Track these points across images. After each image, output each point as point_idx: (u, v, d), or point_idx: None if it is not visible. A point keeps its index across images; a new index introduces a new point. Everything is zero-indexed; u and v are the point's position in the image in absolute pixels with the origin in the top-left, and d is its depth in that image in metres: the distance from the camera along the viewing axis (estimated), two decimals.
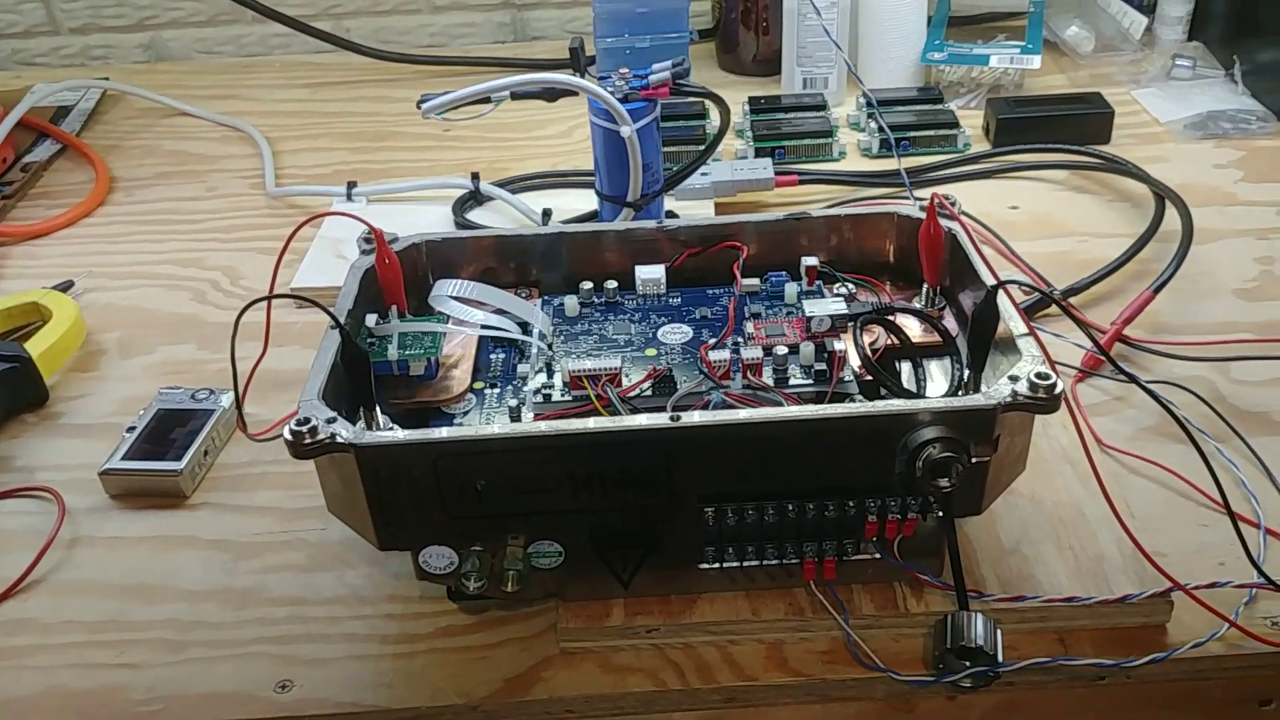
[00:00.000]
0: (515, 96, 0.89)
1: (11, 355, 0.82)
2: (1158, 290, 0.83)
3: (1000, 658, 0.58)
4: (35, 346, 0.83)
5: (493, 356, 0.70)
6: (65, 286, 0.95)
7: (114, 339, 0.91)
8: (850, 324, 0.65)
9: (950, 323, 0.69)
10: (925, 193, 1.01)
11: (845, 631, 0.62)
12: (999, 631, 0.59)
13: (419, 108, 0.87)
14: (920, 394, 0.64)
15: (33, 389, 0.83)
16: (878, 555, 0.61)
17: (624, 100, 0.85)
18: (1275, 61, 1.10)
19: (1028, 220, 0.98)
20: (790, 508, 0.59)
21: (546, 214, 0.99)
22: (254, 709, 0.61)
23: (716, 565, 0.62)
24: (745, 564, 0.62)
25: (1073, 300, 0.86)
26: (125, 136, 1.24)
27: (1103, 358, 0.78)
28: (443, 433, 0.58)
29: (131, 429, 0.77)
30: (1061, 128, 1.06)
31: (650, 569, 0.62)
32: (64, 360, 0.87)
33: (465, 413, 0.66)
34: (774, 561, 0.61)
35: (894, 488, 0.59)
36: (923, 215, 0.70)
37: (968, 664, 0.59)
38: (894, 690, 0.62)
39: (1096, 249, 0.93)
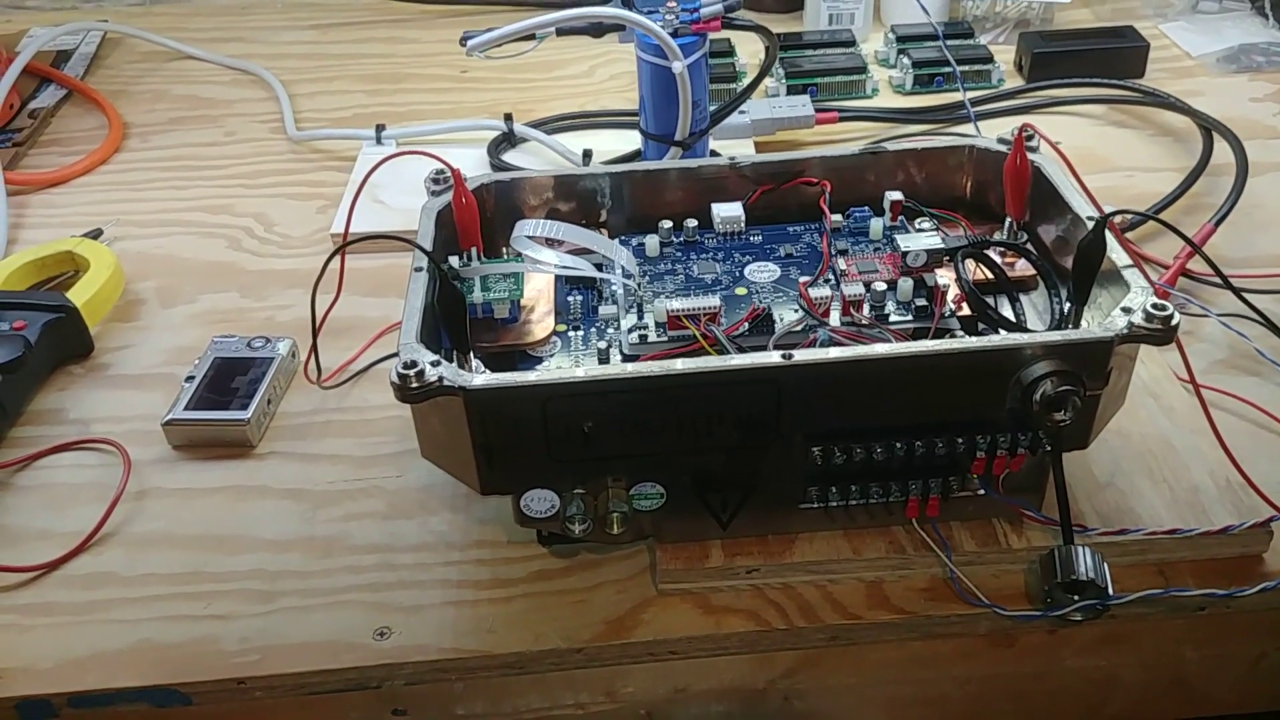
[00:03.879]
0: (561, 32, 0.87)
1: (57, 305, 0.79)
2: (1218, 224, 0.83)
3: (1110, 590, 0.58)
4: (78, 296, 0.81)
5: (570, 299, 0.68)
6: (94, 235, 0.92)
7: (152, 288, 0.88)
8: (948, 259, 0.64)
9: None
10: (962, 129, 1.01)
11: (949, 568, 0.62)
12: (1106, 564, 0.59)
13: (462, 45, 0.84)
14: (1024, 327, 0.63)
15: (78, 339, 0.80)
16: (981, 491, 0.61)
17: (674, 35, 0.83)
18: None
19: (1071, 155, 0.94)
20: (899, 445, 0.58)
21: (587, 155, 0.97)
22: (355, 657, 0.60)
23: (818, 505, 0.61)
24: (848, 503, 0.61)
25: (1127, 235, 0.85)
26: (131, 81, 1.20)
27: (1170, 290, 0.78)
28: (557, 375, 0.56)
29: (190, 378, 0.75)
30: (1095, 62, 1.05)
31: (748, 509, 0.62)
32: (106, 310, 0.84)
33: (551, 355, 0.65)
34: (877, 500, 0.61)
35: (1003, 423, 0.58)
36: (1000, 149, 0.70)
37: (1075, 598, 0.59)
38: (996, 625, 0.62)
39: (1143, 183, 0.93)
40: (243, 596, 0.64)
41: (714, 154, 0.94)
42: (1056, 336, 0.56)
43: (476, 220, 0.68)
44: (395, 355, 0.56)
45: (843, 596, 0.62)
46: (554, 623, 0.61)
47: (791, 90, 1.06)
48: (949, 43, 1.10)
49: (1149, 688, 0.67)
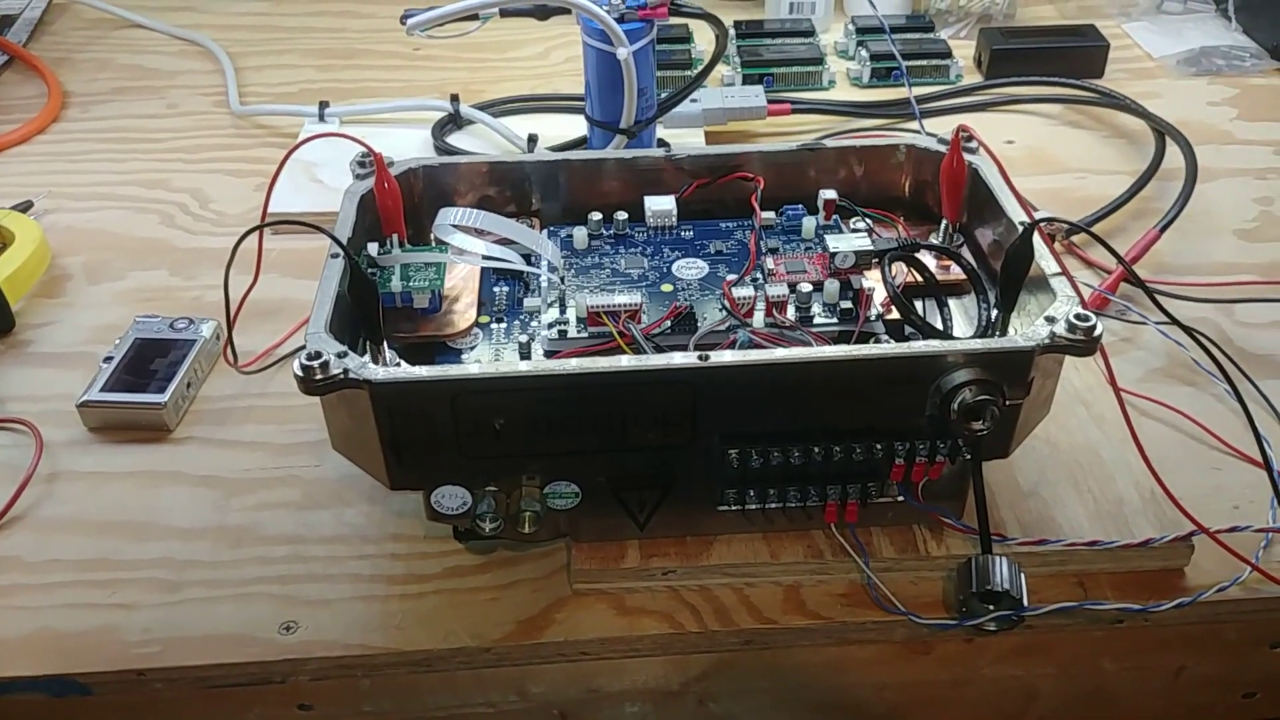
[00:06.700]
0: (505, 14, 0.85)
1: None
2: (1164, 229, 0.82)
3: (1025, 601, 0.58)
4: None
5: (496, 290, 0.67)
6: (24, 207, 0.90)
7: (80, 263, 0.87)
8: (877, 261, 0.63)
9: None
10: (914, 126, 1.00)
11: (866, 574, 0.61)
12: (1022, 575, 0.58)
13: (403, 23, 0.83)
14: (948, 334, 0.62)
15: None
16: (900, 498, 0.60)
17: (620, 20, 0.82)
18: None
19: (1023, 155, 0.96)
20: (816, 450, 0.57)
21: (532, 140, 0.96)
22: (258, 651, 0.59)
23: (736, 507, 0.60)
24: (766, 506, 0.60)
25: (1073, 240, 0.85)
26: (75, 49, 1.18)
27: (1110, 297, 0.77)
28: (465, 370, 0.55)
29: (109, 359, 0.73)
30: (1055, 60, 1.04)
31: (666, 510, 0.61)
32: (29, 285, 0.82)
33: (472, 348, 0.64)
34: (795, 504, 0.60)
35: (923, 430, 0.57)
36: (940, 149, 0.69)
37: (991, 608, 0.58)
38: (913, 633, 0.61)
39: (1094, 186, 0.92)
40: (148, 586, 0.62)
41: (661, 143, 0.93)
42: (977, 345, 0.55)
43: (399, 206, 0.66)
44: None
45: (759, 600, 0.61)
46: (464, 621, 0.60)
47: (748, 79, 1.05)
48: (909, 35, 1.09)
49: (1068, 698, 0.66)
